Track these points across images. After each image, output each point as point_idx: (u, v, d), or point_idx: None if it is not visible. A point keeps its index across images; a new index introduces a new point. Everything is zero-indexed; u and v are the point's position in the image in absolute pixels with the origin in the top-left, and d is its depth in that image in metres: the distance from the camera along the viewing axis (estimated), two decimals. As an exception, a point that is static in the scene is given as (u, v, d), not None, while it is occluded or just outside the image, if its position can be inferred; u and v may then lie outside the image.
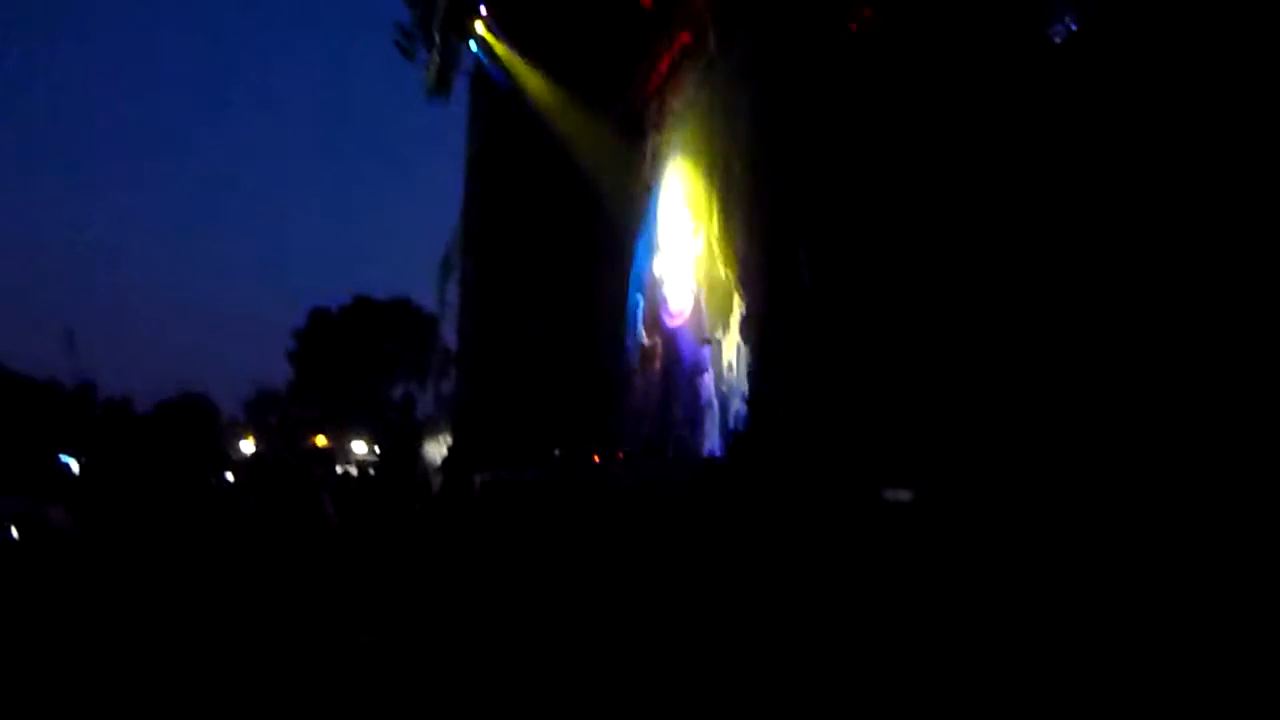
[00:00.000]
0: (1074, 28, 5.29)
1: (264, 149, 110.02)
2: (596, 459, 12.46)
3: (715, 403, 11.48)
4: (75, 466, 10.37)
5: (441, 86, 17.34)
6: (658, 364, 13.91)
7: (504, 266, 17.12)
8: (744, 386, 10.47)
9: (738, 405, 10.62)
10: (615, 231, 15.88)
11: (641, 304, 15.05)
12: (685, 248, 13.40)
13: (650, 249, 14.86)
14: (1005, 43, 5.92)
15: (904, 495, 5.08)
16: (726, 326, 11.30)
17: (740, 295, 10.99)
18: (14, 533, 5.05)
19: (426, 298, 37.70)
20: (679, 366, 12.82)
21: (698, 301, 12.62)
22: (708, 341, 11.51)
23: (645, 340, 14.66)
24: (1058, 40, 5.37)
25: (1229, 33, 4.10)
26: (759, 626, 4.62)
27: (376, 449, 36.94)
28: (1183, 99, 4.35)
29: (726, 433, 10.58)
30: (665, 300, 14.03)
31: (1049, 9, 5.48)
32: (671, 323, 13.63)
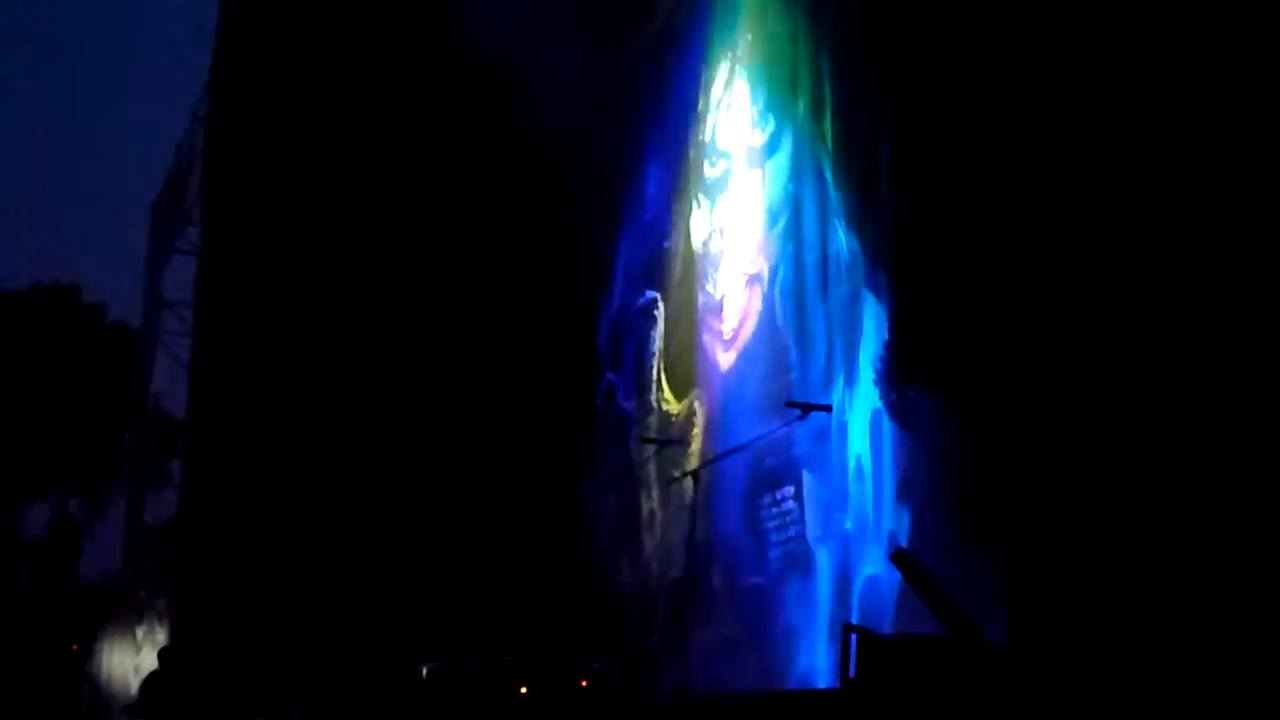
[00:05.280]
0: None
1: None
2: (524, 691, 12.50)
3: (815, 555, 11.70)
4: None
5: None
6: (688, 465, 14.02)
7: (306, 217, 17.71)
8: (888, 517, 10.64)
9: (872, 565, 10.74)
10: (589, 150, 16.33)
11: (660, 317, 15.46)
12: (751, 183, 13.75)
13: (681, 186, 15.27)
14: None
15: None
16: (849, 372, 11.55)
17: (878, 295, 11.11)
18: None
19: (114, 291, 38.02)
20: (729, 466, 12.94)
21: (771, 306, 13.01)
22: (804, 407, 11.53)
23: (670, 404, 14.95)
24: None
25: None
26: None
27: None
28: None
29: (845, 631, 10.56)
30: (708, 305, 14.38)
31: None
32: (721, 356, 13.96)
